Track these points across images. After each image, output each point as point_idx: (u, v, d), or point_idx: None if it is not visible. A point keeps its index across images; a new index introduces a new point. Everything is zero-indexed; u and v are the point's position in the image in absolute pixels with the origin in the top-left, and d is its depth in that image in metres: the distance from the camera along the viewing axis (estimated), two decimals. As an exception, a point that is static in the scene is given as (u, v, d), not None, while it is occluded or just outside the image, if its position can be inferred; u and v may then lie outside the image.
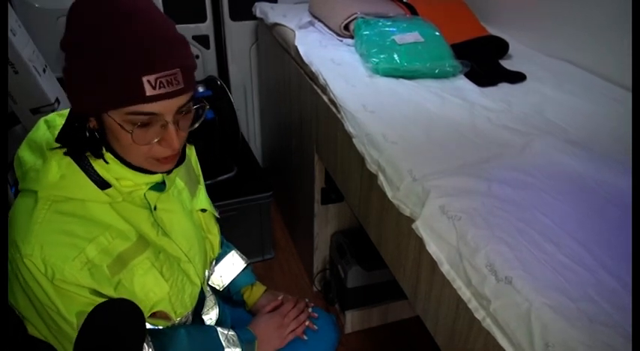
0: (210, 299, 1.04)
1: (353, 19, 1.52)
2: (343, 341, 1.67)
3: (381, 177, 0.99)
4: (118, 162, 0.74)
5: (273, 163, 2.33)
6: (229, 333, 0.95)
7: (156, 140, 0.70)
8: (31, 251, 0.67)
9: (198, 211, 0.97)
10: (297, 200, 1.93)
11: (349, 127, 1.14)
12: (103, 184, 0.74)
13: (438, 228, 0.81)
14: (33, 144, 0.76)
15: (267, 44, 1.99)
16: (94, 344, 0.68)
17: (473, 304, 0.73)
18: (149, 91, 0.65)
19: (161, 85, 0.65)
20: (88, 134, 0.72)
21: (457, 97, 1.21)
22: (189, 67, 0.70)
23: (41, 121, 0.79)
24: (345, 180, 1.29)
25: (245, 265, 1.13)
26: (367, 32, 1.42)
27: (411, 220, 0.89)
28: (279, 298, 1.10)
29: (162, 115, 0.68)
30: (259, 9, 1.95)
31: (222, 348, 0.91)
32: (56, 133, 0.75)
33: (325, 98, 1.34)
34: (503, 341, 0.67)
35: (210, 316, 1.03)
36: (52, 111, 1.46)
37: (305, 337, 1.06)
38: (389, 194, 0.96)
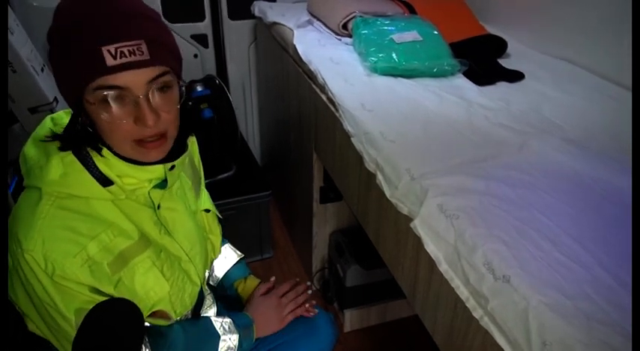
0: (208, 298, 1.05)
1: (351, 18, 1.52)
2: (342, 340, 1.67)
3: (379, 176, 1.00)
4: (116, 157, 0.74)
5: (272, 162, 2.33)
6: (224, 320, 0.94)
7: (131, 119, 0.68)
8: (32, 246, 0.67)
9: (202, 212, 0.97)
10: (296, 199, 1.93)
11: (347, 126, 1.14)
12: (105, 182, 0.74)
13: (436, 227, 0.81)
14: (38, 140, 0.76)
15: (266, 43, 1.98)
16: (92, 344, 0.68)
17: (471, 303, 0.73)
18: (109, 61, 0.64)
19: (122, 55, 0.64)
20: (80, 128, 0.73)
21: (455, 95, 1.21)
22: (157, 40, 0.68)
23: (47, 118, 0.79)
24: (343, 179, 1.29)
25: (238, 258, 1.12)
26: (365, 31, 1.42)
27: (409, 219, 0.89)
28: (272, 279, 1.09)
29: (130, 90, 0.67)
30: (258, 8, 1.95)
31: (219, 336, 0.91)
32: (61, 130, 0.75)
33: (324, 97, 1.34)
34: (500, 339, 0.67)
35: (208, 315, 1.03)
36: (51, 110, 1.47)
37: (310, 314, 1.05)
38: (387, 193, 0.96)
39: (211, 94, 1.83)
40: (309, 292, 1.10)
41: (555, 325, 0.60)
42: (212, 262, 1.07)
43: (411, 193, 0.89)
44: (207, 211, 0.99)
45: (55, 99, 1.49)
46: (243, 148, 2.13)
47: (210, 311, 1.03)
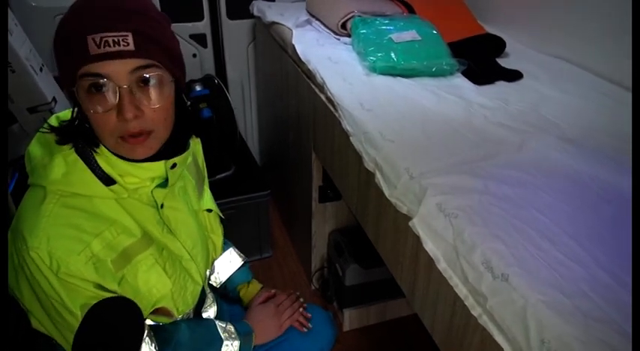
0: (209, 297, 1.05)
1: (350, 18, 1.52)
2: (341, 339, 1.68)
3: (378, 175, 1.00)
4: (116, 156, 0.74)
5: (271, 161, 2.33)
6: (227, 326, 0.95)
7: (114, 112, 0.68)
8: (37, 244, 0.68)
9: (204, 211, 0.97)
10: (295, 199, 1.94)
11: (346, 126, 1.15)
12: (107, 181, 0.75)
13: (434, 226, 0.81)
14: (42, 139, 0.77)
15: (265, 43, 1.99)
16: (92, 342, 0.68)
17: (469, 302, 0.74)
18: (93, 50, 0.65)
19: (106, 44, 0.65)
20: (77, 123, 0.74)
21: (454, 95, 1.21)
22: (147, 34, 0.68)
23: (53, 117, 0.80)
24: (342, 178, 1.29)
25: (242, 262, 1.13)
26: (364, 31, 1.42)
27: (408, 218, 0.89)
28: (272, 291, 1.11)
29: (112, 79, 0.67)
30: (256, 7, 1.95)
31: (222, 341, 0.92)
32: None
33: (322, 97, 1.34)
34: (499, 338, 0.67)
35: (209, 314, 1.04)
36: (50, 110, 1.47)
37: (304, 330, 1.06)
38: (386, 192, 0.96)
39: (210, 93, 1.83)
40: (302, 299, 1.12)
41: (553, 323, 0.60)
42: (213, 262, 1.07)
43: (410, 193, 0.89)
44: (210, 211, 0.99)
45: (54, 99, 1.49)
46: (242, 148, 2.13)
47: (210, 310, 1.04)
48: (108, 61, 0.66)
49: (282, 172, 2.08)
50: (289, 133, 1.83)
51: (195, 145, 0.99)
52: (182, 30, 2.05)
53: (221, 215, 1.03)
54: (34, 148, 0.77)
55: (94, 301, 0.71)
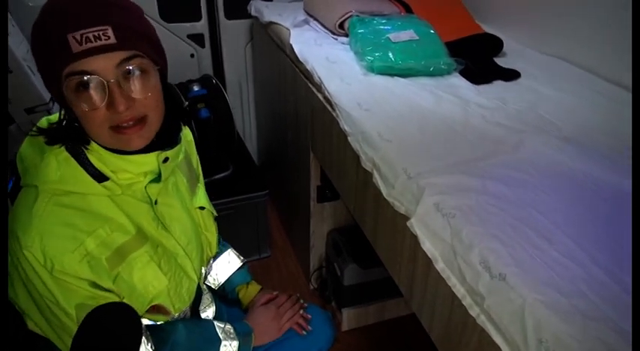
0: (207, 297, 1.05)
1: (348, 18, 1.52)
2: (340, 339, 1.68)
3: (376, 175, 1.00)
4: (106, 150, 0.74)
5: (269, 161, 2.33)
6: (226, 326, 0.95)
7: (104, 106, 0.68)
8: (30, 243, 0.68)
9: (197, 209, 0.97)
10: (293, 198, 1.94)
11: (344, 126, 1.15)
12: (100, 177, 0.74)
13: (432, 225, 0.81)
14: (33, 140, 0.77)
15: (263, 43, 1.98)
16: (91, 346, 0.68)
17: (467, 301, 0.74)
18: (75, 48, 0.65)
19: (87, 41, 0.65)
20: (66, 123, 0.74)
21: (452, 94, 1.21)
22: (125, 26, 0.68)
23: (43, 119, 0.80)
24: (340, 178, 1.29)
25: (241, 263, 1.13)
26: (362, 30, 1.42)
27: (406, 218, 0.89)
28: (274, 293, 1.11)
29: (99, 74, 0.67)
30: (254, 7, 1.95)
31: (220, 341, 0.92)
32: None
33: (320, 96, 1.34)
34: (497, 337, 0.68)
35: (208, 314, 1.04)
36: (47, 110, 1.47)
37: (303, 332, 1.07)
38: (384, 192, 0.96)
39: (208, 93, 1.83)
40: (302, 301, 1.12)
41: (551, 323, 0.60)
42: (209, 260, 1.07)
43: (408, 192, 0.89)
44: (202, 208, 0.99)
45: (52, 99, 1.48)
46: (241, 148, 2.13)
47: (209, 310, 1.04)
48: (92, 57, 0.66)
49: (281, 172, 2.08)
50: (287, 133, 1.83)
51: (189, 145, 0.99)
52: (180, 30, 2.05)
53: (214, 213, 1.03)
54: (26, 149, 0.76)
55: (90, 301, 0.71)
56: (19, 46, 1.41)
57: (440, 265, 0.79)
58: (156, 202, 0.82)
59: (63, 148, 0.74)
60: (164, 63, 0.77)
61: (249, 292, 1.11)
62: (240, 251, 1.16)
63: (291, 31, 1.60)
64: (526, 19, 1.61)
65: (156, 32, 0.77)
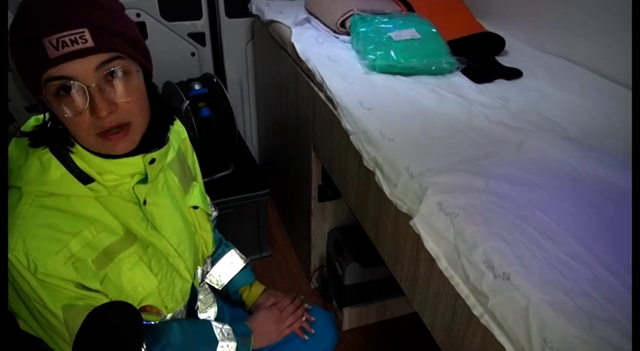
0: (209, 297, 1.04)
1: (349, 16, 1.51)
2: (341, 338, 1.67)
3: (378, 174, 0.99)
4: (90, 153, 0.73)
5: (270, 160, 2.33)
6: (224, 327, 0.94)
7: (87, 111, 0.67)
8: (13, 246, 0.67)
9: (190, 208, 0.96)
10: (294, 197, 1.93)
11: (346, 124, 1.14)
12: (85, 179, 0.73)
13: (435, 225, 0.81)
14: (20, 141, 0.76)
15: (264, 41, 1.98)
16: (94, 345, 0.68)
17: (471, 301, 0.73)
18: (52, 53, 0.63)
19: (64, 45, 0.63)
20: (49, 125, 0.73)
21: (454, 93, 1.21)
22: (103, 27, 0.66)
23: (32, 119, 0.79)
24: (342, 177, 1.29)
25: (244, 264, 1.13)
26: (363, 29, 1.41)
27: (408, 217, 0.89)
28: (279, 298, 1.10)
29: (78, 79, 0.65)
30: (255, 6, 1.94)
31: (217, 341, 0.91)
32: None
33: (322, 95, 1.34)
34: (501, 337, 0.67)
35: (209, 314, 1.03)
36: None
37: (305, 337, 1.06)
38: (386, 191, 0.96)
39: (209, 92, 1.83)
40: (306, 305, 1.12)
41: (556, 323, 0.60)
42: (206, 259, 1.06)
43: (410, 192, 0.89)
44: (196, 207, 0.98)
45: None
46: (242, 147, 2.12)
47: (210, 310, 1.03)
48: (69, 61, 0.64)
49: (282, 171, 2.08)
50: (288, 131, 1.83)
51: (184, 141, 0.98)
52: (181, 28, 2.04)
53: (209, 212, 1.02)
54: (12, 150, 0.76)
55: (77, 302, 0.70)
56: (19, 44, 1.40)
57: (443, 265, 0.79)
58: (145, 202, 0.81)
59: (47, 149, 0.73)
60: (147, 62, 0.75)
61: (253, 293, 1.11)
62: (241, 250, 1.16)
63: (293, 29, 1.60)
64: (528, 17, 1.61)
65: (137, 30, 0.74)
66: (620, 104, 1.15)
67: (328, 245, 1.80)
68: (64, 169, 0.73)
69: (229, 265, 1.11)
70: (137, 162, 0.77)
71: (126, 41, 0.69)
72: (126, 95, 0.69)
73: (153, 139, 0.79)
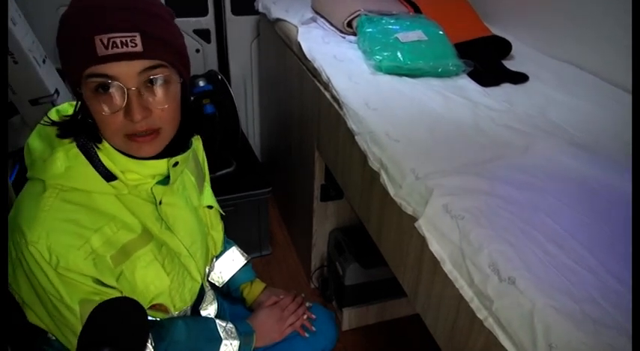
0: (209, 294, 1.04)
1: (356, 16, 1.51)
2: (340, 338, 1.66)
3: (383, 175, 0.99)
4: (117, 151, 0.74)
5: (273, 158, 2.32)
6: (228, 325, 0.95)
7: (121, 112, 0.68)
8: (37, 238, 0.67)
9: (205, 208, 0.96)
10: (296, 196, 1.93)
11: (351, 125, 1.14)
12: (108, 176, 0.74)
13: (440, 227, 0.81)
14: (42, 132, 0.76)
15: (269, 39, 1.98)
16: (99, 339, 0.67)
17: (475, 304, 0.73)
18: (100, 51, 0.64)
19: (114, 46, 0.64)
20: (80, 118, 0.73)
21: (460, 96, 1.21)
22: (154, 35, 0.67)
23: (53, 110, 0.79)
24: (345, 177, 1.29)
25: (245, 261, 1.13)
26: (370, 29, 1.41)
27: (413, 219, 0.88)
28: (280, 296, 1.10)
29: (120, 80, 0.66)
30: (261, 4, 1.94)
31: (220, 340, 0.91)
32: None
33: (327, 95, 1.34)
34: (505, 341, 0.67)
35: (209, 312, 1.03)
36: (52, 102, 1.46)
37: (306, 335, 1.06)
38: (391, 192, 0.96)
39: (213, 89, 1.82)
40: (308, 303, 1.11)
41: (561, 328, 0.59)
42: (213, 258, 1.06)
43: (416, 193, 0.89)
44: (210, 207, 0.98)
45: (57, 91, 1.48)
46: (244, 144, 2.12)
47: (210, 308, 1.03)
48: (116, 62, 0.65)
49: (284, 169, 2.08)
50: (292, 130, 1.82)
51: (196, 141, 0.99)
52: (186, 25, 2.04)
53: (222, 212, 1.03)
54: (34, 142, 0.76)
55: (94, 297, 0.71)
56: (24, 36, 1.39)
57: (447, 267, 0.79)
58: (160, 203, 0.81)
59: (74, 143, 0.74)
60: (188, 74, 0.76)
61: (254, 290, 1.11)
62: (242, 248, 1.15)
63: (299, 28, 1.60)
64: (534, 22, 1.61)
65: (184, 41, 0.76)
66: (626, 110, 1.15)
67: (329, 245, 1.80)
68: (90, 165, 0.73)
69: (230, 262, 1.11)
70: (161, 164, 0.78)
71: (172, 51, 0.71)
72: (162, 103, 0.71)
73: (177, 144, 0.80)
